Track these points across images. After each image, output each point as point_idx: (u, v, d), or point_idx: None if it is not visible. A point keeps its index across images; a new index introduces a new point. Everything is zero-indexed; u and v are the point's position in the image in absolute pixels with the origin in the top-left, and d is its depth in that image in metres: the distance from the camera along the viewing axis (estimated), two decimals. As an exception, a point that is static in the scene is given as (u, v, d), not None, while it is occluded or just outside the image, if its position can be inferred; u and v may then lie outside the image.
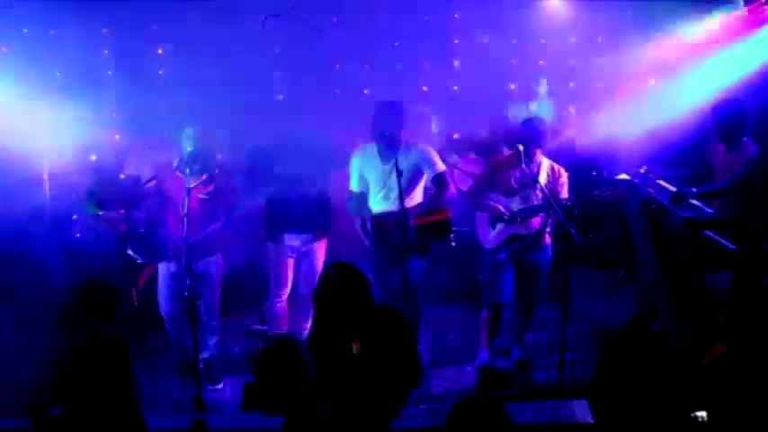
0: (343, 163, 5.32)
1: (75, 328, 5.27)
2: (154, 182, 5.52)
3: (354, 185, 5.24)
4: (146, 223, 5.39)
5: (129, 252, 5.11)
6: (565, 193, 5.21)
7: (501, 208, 5.16)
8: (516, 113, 7.09)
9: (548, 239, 5.33)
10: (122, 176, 6.54)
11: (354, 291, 3.37)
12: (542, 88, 7.47)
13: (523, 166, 5.08)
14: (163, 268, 5.31)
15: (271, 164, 5.39)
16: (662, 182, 5.41)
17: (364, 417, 3.15)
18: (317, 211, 5.40)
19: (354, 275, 3.43)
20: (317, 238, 5.50)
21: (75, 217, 6.21)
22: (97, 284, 3.34)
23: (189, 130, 5.16)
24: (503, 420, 2.58)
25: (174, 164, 5.26)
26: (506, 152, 5.49)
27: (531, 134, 5.14)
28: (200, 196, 5.13)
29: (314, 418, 2.98)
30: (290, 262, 5.50)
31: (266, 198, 5.48)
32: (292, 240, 5.45)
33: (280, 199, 5.34)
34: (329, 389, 3.19)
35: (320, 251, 5.53)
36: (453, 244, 6.19)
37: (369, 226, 5.10)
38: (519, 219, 5.17)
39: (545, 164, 5.24)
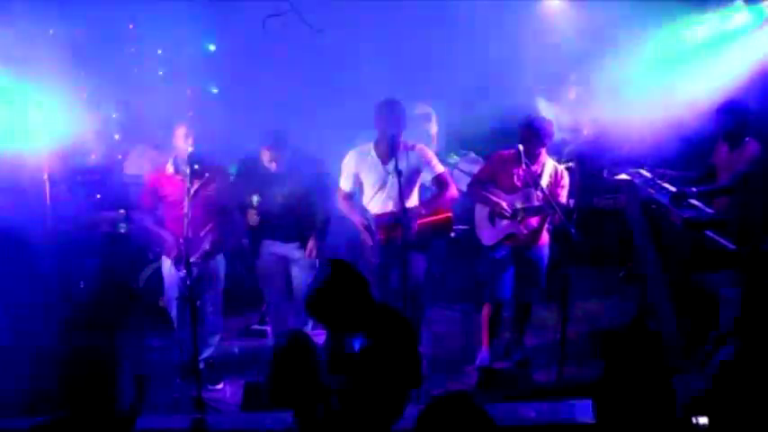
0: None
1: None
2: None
3: (345, 185, 5.19)
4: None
5: None
6: (564, 197, 5.19)
7: (503, 204, 5.15)
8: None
9: (546, 237, 5.32)
10: (122, 176, 6.53)
11: (352, 289, 3.29)
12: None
13: (524, 165, 5.08)
14: (169, 271, 5.28)
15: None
16: (662, 182, 5.42)
17: (368, 417, 3.13)
18: (301, 217, 5.23)
19: (351, 273, 3.33)
20: (304, 245, 5.32)
21: (74, 217, 6.22)
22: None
23: (184, 130, 5.12)
24: (479, 418, 2.51)
25: (169, 165, 5.25)
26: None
27: (533, 133, 5.13)
28: (205, 193, 5.11)
29: (324, 417, 2.96)
30: (282, 268, 5.38)
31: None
32: (278, 248, 5.32)
33: (264, 208, 5.17)
34: (335, 388, 3.17)
35: (312, 254, 5.38)
36: (452, 244, 6.19)
37: (373, 226, 5.08)
38: (519, 217, 5.16)
39: (549, 165, 5.23)
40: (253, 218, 5.14)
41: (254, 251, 5.42)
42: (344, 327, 3.37)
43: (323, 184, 5.25)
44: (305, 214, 5.23)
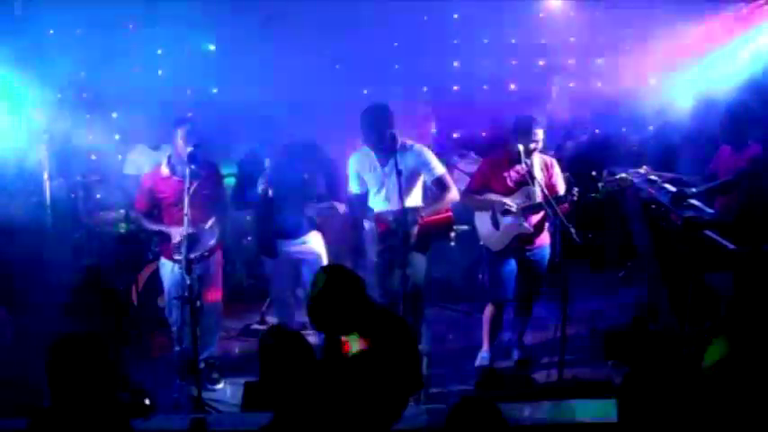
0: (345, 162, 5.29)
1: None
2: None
3: (354, 187, 5.22)
4: None
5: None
6: (561, 185, 5.19)
7: (506, 200, 5.13)
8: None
9: (546, 237, 5.31)
10: (122, 176, 6.53)
11: (349, 293, 3.32)
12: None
13: (524, 165, 5.05)
14: (169, 271, 5.26)
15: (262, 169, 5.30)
16: (662, 182, 5.41)
17: (365, 419, 3.13)
18: (306, 213, 5.28)
19: (347, 277, 3.37)
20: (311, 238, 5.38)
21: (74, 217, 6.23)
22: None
23: (183, 131, 5.11)
24: (500, 423, 2.56)
25: (164, 166, 5.22)
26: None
27: (519, 131, 5.11)
28: (204, 192, 5.09)
29: (316, 414, 2.95)
30: (294, 268, 5.39)
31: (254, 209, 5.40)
32: (289, 246, 5.34)
33: (269, 208, 5.22)
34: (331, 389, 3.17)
35: (318, 246, 5.43)
36: (453, 244, 6.17)
37: (374, 223, 5.07)
38: (521, 216, 5.14)
39: (537, 159, 5.21)
40: (263, 187, 5.13)
41: (268, 249, 5.40)
42: (343, 331, 3.38)
43: (329, 176, 5.26)
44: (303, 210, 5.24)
